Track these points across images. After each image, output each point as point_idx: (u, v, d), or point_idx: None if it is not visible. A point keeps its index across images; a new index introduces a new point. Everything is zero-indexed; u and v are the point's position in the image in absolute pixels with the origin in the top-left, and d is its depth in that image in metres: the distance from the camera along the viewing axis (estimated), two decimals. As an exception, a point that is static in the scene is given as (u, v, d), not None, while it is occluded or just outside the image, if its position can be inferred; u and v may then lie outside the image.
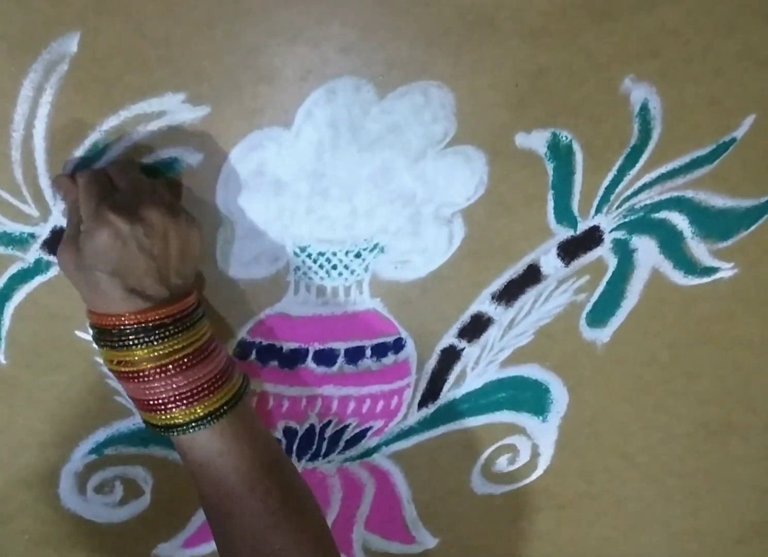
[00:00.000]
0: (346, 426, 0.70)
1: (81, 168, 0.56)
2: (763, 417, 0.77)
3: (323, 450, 0.72)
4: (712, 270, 0.68)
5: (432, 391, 0.70)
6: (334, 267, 0.62)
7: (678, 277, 0.68)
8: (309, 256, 0.62)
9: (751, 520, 0.86)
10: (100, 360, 0.63)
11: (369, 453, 0.73)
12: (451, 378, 0.69)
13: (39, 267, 0.59)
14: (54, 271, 0.59)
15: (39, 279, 0.59)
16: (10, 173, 0.55)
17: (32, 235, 0.57)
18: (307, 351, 0.66)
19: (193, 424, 0.53)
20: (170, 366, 0.52)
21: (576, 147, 0.60)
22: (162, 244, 0.51)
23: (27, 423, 0.65)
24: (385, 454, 0.73)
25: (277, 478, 0.55)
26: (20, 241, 0.57)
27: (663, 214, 0.64)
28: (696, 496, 0.82)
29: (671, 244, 0.66)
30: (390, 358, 0.67)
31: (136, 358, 0.51)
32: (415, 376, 0.69)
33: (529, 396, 0.72)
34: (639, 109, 0.59)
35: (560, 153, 0.60)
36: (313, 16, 0.53)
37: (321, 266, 0.62)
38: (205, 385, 0.53)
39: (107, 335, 0.52)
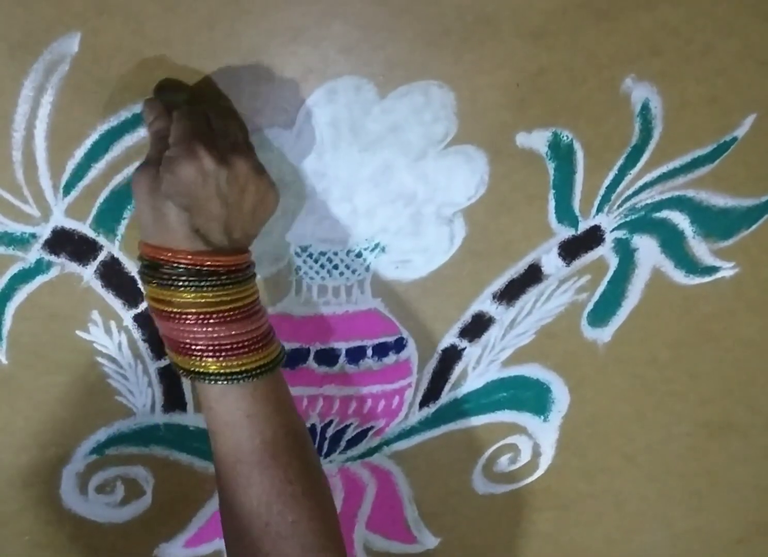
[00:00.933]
0: (348, 426, 0.70)
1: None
2: (764, 416, 0.77)
3: (324, 450, 0.72)
4: (713, 269, 0.68)
5: (433, 391, 0.70)
6: (336, 267, 0.62)
7: (679, 277, 0.68)
8: (310, 255, 0.62)
9: (752, 520, 0.86)
10: (102, 360, 0.63)
11: (370, 452, 0.73)
12: (453, 377, 0.69)
13: (40, 267, 0.59)
14: (55, 272, 0.59)
15: (40, 280, 0.59)
16: (11, 173, 0.55)
17: (33, 235, 0.57)
18: (308, 350, 0.66)
19: (227, 377, 0.51)
20: (214, 316, 0.50)
21: (577, 146, 0.60)
22: (239, 195, 0.50)
23: (28, 423, 0.65)
24: (386, 454, 0.73)
25: (299, 451, 0.54)
26: (21, 241, 0.57)
27: (664, 214, 0.64)
28: (697, 496, 0.82)
29: (672, 243, 0.66)
30: (391, 358, 0.67)
31: (182, 300, 0.50)
32: (416, 376, 0.69)
33: (530, 396, 0.72)
34: (640, 108, 0.59)
35: (561, 152, 0.60)
36: (314, 16, 0.53)
37: (322, 266, 0.62)
38: (246, 343, 0.52)
39: (157, 271, 0.50)
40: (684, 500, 0.83)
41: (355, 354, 0.66)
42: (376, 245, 0.62)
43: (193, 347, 0.51)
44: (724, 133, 0.62)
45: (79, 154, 0.55)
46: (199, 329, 0.50)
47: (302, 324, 0.64)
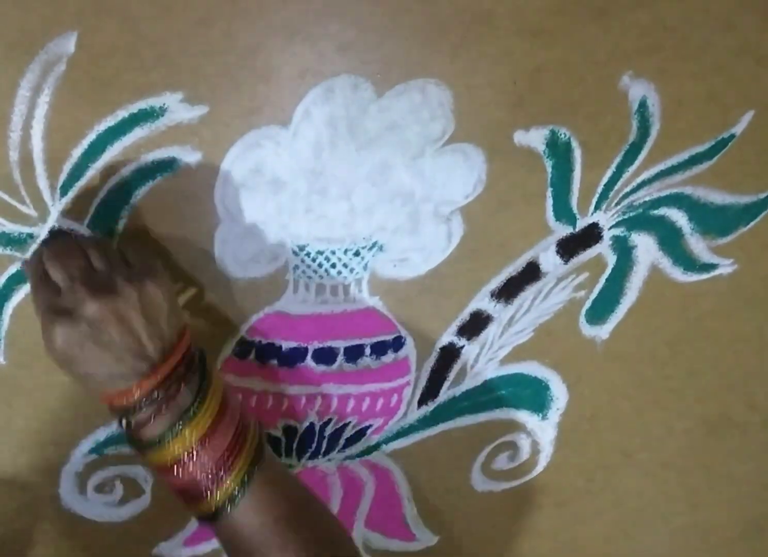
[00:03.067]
0: (346, 425, 0.70)
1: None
2: (763, 413, 0.78)
3: (323, 449, 0.72)
4: (711, 266, 0.68)
5: (432, 389, 0.70)
6: (333, 265, 0.62)
7: (677, 274, 0.68)
8: (308, 254, 0.61)
9: (751, 516, 0.86)
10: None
11: (369, 451, 0.73)
12: (451, 376, 0.69)
13: (38, 267, 0.59)
14: (53, 271, 0.59)
15: (38, 280, 0.59)
16: (9, 174, 0.55)
17: (30, 236, 0.57)
18: (306, 349, 0.66)
19: (240, 490, 0.50)
20: (209, 434, 0.50)
21: (575, 144, 0.60)
22: (121, 326, 0.49)
23: (27, 423, 0.65)
24: (385, 452, 0.73)
25: (312, 520, 0.54)
26: (19, 242, 0.57)
27: (662, 211, 0.64)
28: (696, 492, 0.83)
29: (670, 240, 0.66)
30: (389, 356, 0.67)
31: (178, 444, 0.50)
32: (414, 374, 0.69)
33: (528, 394, 0.72)
34: (637, 105, 0.59)
35: (559, 150, 0.60)
36: (311, 14, 0.53)
37: (320, 265, 0.62)
38: (236, 438, 0.51)
39: (137, 437, 0.50)
40: (683, 496, 0.83)
41: (354, 353, 0.67)
42: (374, 244, 0.62)
43: (211, 477, 0.50)
44: (722, 130, 0.62)
45: (77, 154, 0.55)
46: (193, 464, 0.50)
47: (300, 323, 0.64)
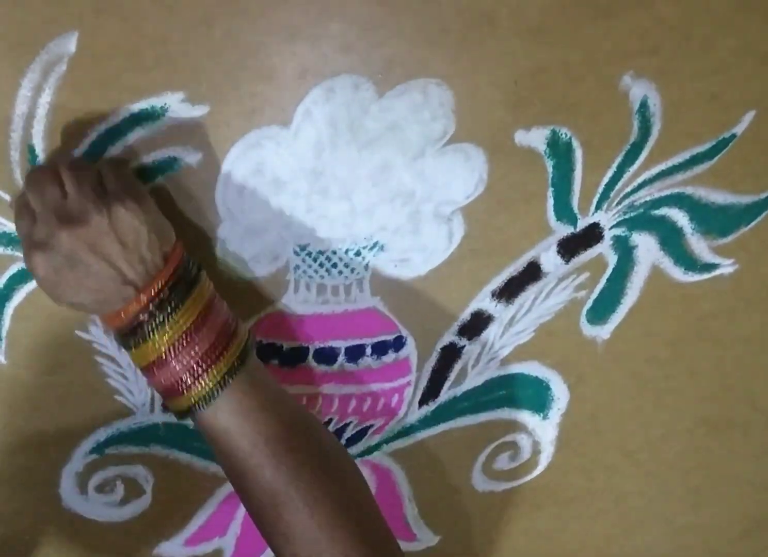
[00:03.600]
0: (347, 425, 0.70)
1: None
2: (764, 413, 0.77)
3: (324, 449, 0.72)
4: (712, 266, 0.68)
5: (432, 389, 0.70)
6: (334, 265, 0.62)
7: (678, 274, 0.68)
8: (309, 254, 0.61)
9: (752, 516, 0.86)
10: (101, 360, 0.63)
11: (370, 451, 0.73)
12: (452, 376, 0.69)
13: (38, 267, 0.58)
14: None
15: (39, 280, 0.59)
16: (10, 174, 0.55)
17: (31, 235, 0.57)
18: (307, 349, 0.66)
19: (217, 389, 0.51)
20: (189, 335, 0.51)
21: (575, 144, 0.60)
22: (95, 255, 0.49)
23: (27, 423, 0.65)
24: (386, 452, 0.73)
25: (304, 434, 0.54)
26: (19, 242, 0.57)
27: (663, 211, 0.64)
28: (697, 492, 0.82)
29: (671, 240, 0.66)
30: (390, 356, 0.67)
31: (157, 345, 0.51)
32: (415, 374, 0.69)
33: (529, 394, 0.72)
34: (638, 105, 0.59)
35: (560, 150, 0.60)
36: (312, 14, 0.53)
37: (321, 264, 0.62)
38: (222, 335, 0.52)
39: (127, 335, 0.52)
40: (684, 496, 0.83)
41: (354, 353, 0.66)
42: (375, 244, 0.62)
43: (183, 379, 0.51)
44: (723, 130, 0.61)
45: (78, 154, 0.55)
46: (176, 361, 0.51)
47: (301, 323, 0.64)
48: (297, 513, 0.51)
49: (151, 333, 0.50)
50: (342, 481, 0.55)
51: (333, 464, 0.55)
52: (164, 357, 0.51)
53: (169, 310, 0.51)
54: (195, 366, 0.51)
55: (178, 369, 0.51)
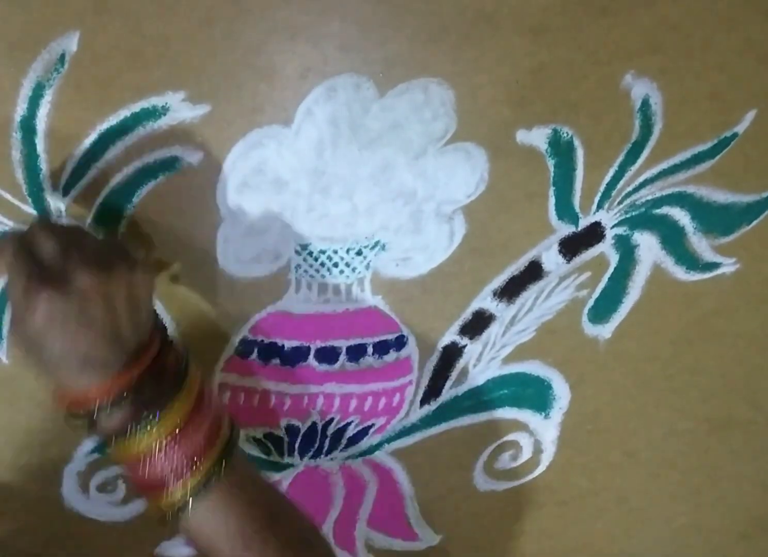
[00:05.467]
0: (348, 424, 0.70)
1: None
2: (766, 412, 0.77)
3: (325, 448, 0.72)
4: (714, 265, 0.68)
5: (434, 388, 0.70)
6: (336, 265, 0.62)
7: (680, 273, 0.68)
8: (310, 253, 0.61)
9: (754, 516, 0.86)
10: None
11: (371, 450, 0.73)
12: (453, 375, 0.69)
13: (40, 266, 0.58)
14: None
15: (40, 279, 0.59)
16: (11, 173, 0.55)
17: (33, 235, 0.57)
18: (308, 349, 0.66)
19: (201, 492, 0.49)
20: (172, 435, 0.49)
21: (577, 143, 0.60)
22: (106, 305, 0.47)
23: (29, 422, 0.65)
24: (387, 452, 0.73)
25: (278, 530, 0.52)
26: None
27: (665, 210, 0.64)
28: (698, 492, 0.82)
29: (673, 239, 0.66)
30: (392, 356, 0.67)
31: (143, 445, 0.48)
32: (417, 373, 0.69)
33: (531, 393, 0.72)
34: (640, 104, 0.59)
35: (561, 149, 0.60)
36: (313, 14, 0.53)
37: (322, 264, 0.62)
38: (205, 439, 0.50)
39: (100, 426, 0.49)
40: (685, 496, 0.83)
41: (356, 352, 0.66)
42: (376, 243, 0.62)
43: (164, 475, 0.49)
44: (725, 129, 0.61)
45: (79, 153, 0.55)
46: (159, 456, 0.49)
47: (302, 322, 0.64)
48: None
49: (141, 428, 0.48)
50: None
51: (307, 552, 0.54)
52: (153, 452, 0.48)
53: (160, 397, 0.49)
54: (184, 463, 0.49)
55: (165, 465, 0.49)
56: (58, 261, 0.47)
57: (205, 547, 0.51)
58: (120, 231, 0.58)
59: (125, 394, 0.48)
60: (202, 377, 0.54)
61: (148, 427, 0.48)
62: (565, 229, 0.64)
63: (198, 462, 0.49)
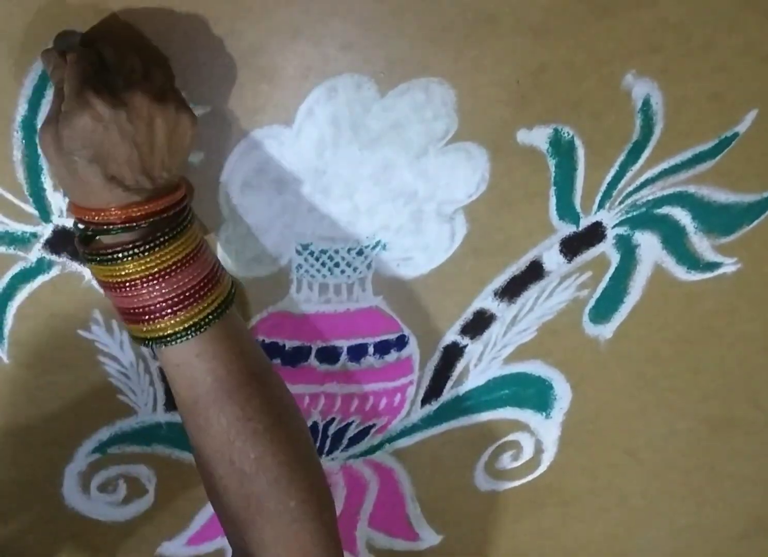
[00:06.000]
0: (350, 424, 0.70)
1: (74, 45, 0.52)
2: (766, 412, 0.77)
3: (326, 448, 0.72)
4: (715, 265, 0.68)
5: (435, 388, 0.70)
6: (337, 264, 0.62)
7: (681, 273, 0.68)
8: (311, 253, 0.61)
9: (755, 515, 0.86)
10: (103, 359, 0.63)
11: (372, 450, 0.73)
12: (454, 375, 0.69)
13: (41, 266, 0.59)
14: (56, 271, 0.59)
15: (41, 279, 0.59)
16: (12, 172, 0.55)
17: (34, 235, 0.57)
18: (310, 348, 0.66)
19: (180, 335, 0.50)
20: (159, 275, 0.49)
21: (578, 143, 0.60)
22: (147, 132, 0.47)
23: (30, 422, 0.65)
24: (388, 451, 0.73)
25: (258, 388, 0.53)
26: (22, 241, 0.57)
27: (665, 210, 0.64)
28: (699, 492, 0.82)
29: (674, 239, 0.66)
30: (393, 356, 0.67)
31: (125, 272, 0.49)
32: (418, 373, 0.69)
33: (532, 393, 0.72)
34: (641, 104, 0.59)
35: (562, 149, 0.60)
36: (314, 14, 0.53)
37: (323, 264, 0.62)
38: (197, 288, 0.51)
39: (92, 245, 0.50)
40: (686, 496, 0.83)
41: (357, 352, 0.66)
42: (377, 243, 0.62)
43: (145, 310, 0.50)
44: (726, 129, 0.61)
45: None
46: (147, 292, 0.49)
47: (303, 322, 0.64)
48: (245, 459, 0.51)
49: (129, 257, 0.49)
50: (294, 440, 0.54)
51: (286, 421, 0.54)
52: (136, 284, 0.49)
53: (162, 240, 0.49)
54: (169, 301, 0.50)
55: (148, 298, 0.50)
56: (119, 77, 0.48)
57: (185, 392, 0.52)
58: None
59: (136, 225, 0.49)
60: (203, 238, 0.54)
61: (142, 255, 0.49)
62: (566, 229, 0.64)
63: (186, 302, 0.50)
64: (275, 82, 0.55)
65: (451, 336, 0.68)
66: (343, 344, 0.66)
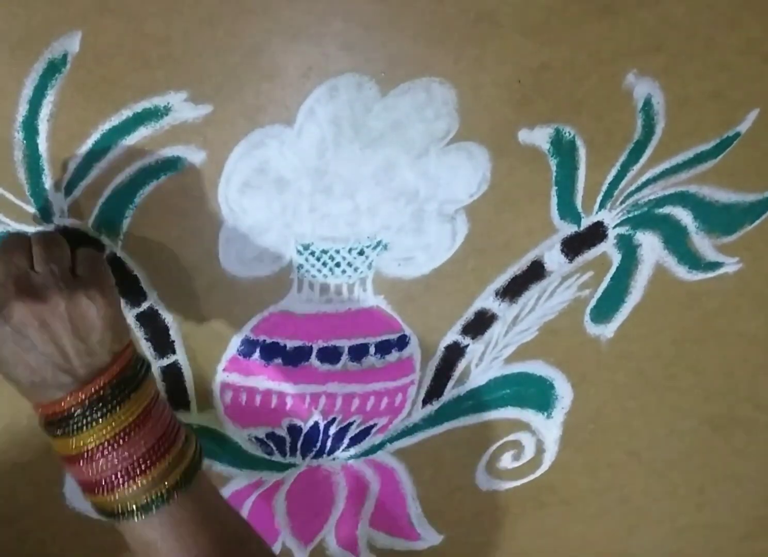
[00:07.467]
0: (351, 424, 0.70)
1: None
2: (768, 412, 0.77)
3: (327, 448, 0.72)
4: (716, 265, 0.68)
5: (436, 388, 0.70)
6: (338, 264, 0.62)
7: (682, 272, 0.68)
8: (312, 253, 0.61)
9: (756, 515, 0.86)
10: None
11: (373, 450, 0.73)
12: (455, 375, 0.69)
13: (42, 266, 0.58)
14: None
15: (42, 279, 0.59)
16: (13, 173, 0.55)
17: (35, 235, 0.57)
18: (311, 348, 0.66)
19: (147, 506, 0.49)
20: (113, 439, 0.48)
21: (579, 143, 0.60)
22: (42, 335, 0.47)
23: (31, 422, 0.65)
24: (389, 451, 0.73)
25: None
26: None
27: (667, 209, 0.64)
28: (701, 491, 0.82)
29: (675, 239, 0.66)
30: (394, 355, 0.67)
31: (83, 442, 0.48)
32: (419, 373, 0.69)
33: (533, 393, 0.72)
34: (642, 104, 0.59)
35: (563, 149, 0.60)
36: (315, 13, 0.53)
37: (324, 264, 0.62)
38: (157, 448, 0.50)
39: (53, 425, 0.49)
40: (688, 495, 0.83)
41: (358, 352, 0.66)
42: (378, 243, 0.62)
43: (107, 480, 0.49)
44: (727, 129, 0.61)
45: (81, 153, 0.55)
46: (104, 459, 0.49)
47: (304, 322, 0.64)
48: None
49: (79, 430, 0.48)
50: None
51: None
52: (90, 454, 0.48)
53: (104, 411, 0.48)
54: (126, 469, 0.49)
55: (105, 468, 0.49)
56: (1, 286, 0.48)
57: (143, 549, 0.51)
58: (121, 234, 0.58)
59: (86, 404, 0.48)
60: (156, 392, 0.53)
61: (91, 426, 0.48)
62: (568, 229, 0.64)
63: (143, 468, 0.49)
64: (276, 81, 0.55)
65: (453, 336, 0.68)
66: (344, 344, 0.66)
